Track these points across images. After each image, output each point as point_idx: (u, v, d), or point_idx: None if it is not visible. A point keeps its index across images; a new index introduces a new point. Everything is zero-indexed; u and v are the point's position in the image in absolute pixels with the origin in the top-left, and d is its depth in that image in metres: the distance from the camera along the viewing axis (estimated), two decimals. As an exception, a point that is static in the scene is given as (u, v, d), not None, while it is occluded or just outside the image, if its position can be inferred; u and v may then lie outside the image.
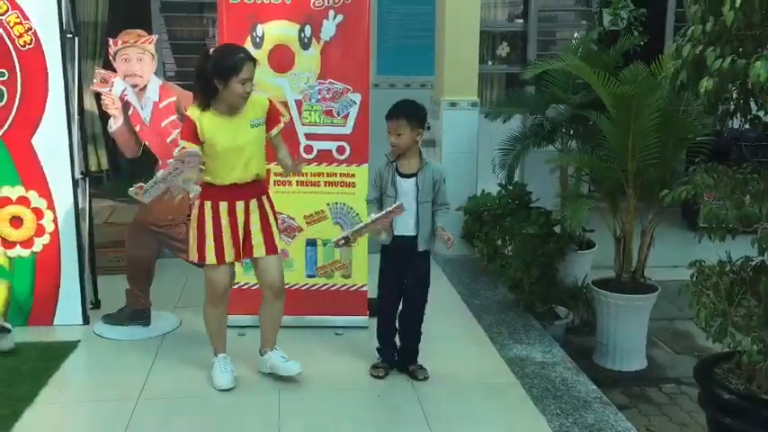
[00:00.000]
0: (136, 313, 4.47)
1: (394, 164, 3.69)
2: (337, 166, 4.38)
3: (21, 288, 4.46)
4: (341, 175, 4.38)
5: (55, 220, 4.43)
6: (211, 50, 3.57)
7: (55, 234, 4.45)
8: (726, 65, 2.85)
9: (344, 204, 4.40)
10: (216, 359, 3.80)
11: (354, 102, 4.33)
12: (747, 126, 3.48)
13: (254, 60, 3.51)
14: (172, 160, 3.49)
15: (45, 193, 4.40)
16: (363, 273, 4.48)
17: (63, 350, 4.16)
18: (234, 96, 3.46)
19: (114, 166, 7.63)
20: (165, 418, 3.51)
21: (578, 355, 4.46)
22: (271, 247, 3.67)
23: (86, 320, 4.53)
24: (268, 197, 3.73)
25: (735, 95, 3.28)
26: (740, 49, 2.97)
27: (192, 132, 3.52)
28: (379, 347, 3.91)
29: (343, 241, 3.58)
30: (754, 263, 3.44)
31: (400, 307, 3.83)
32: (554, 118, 5.40)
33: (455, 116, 5.78)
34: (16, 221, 4.40)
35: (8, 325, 4.16)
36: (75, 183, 4.45)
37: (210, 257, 3.60)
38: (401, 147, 3.64)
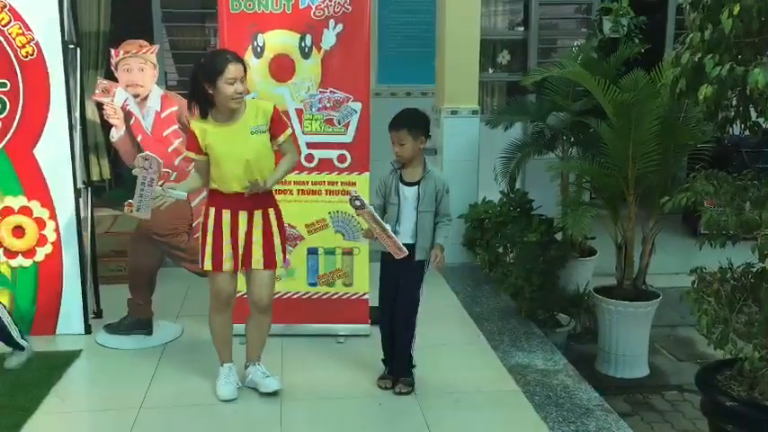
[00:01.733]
0: (138, 322, 4.48)
1: (398, 172, 3.70)
2: (338, 174, 4.39)
3: (23, 298, 4.47)
4: (342, 184, 4.39)
5: (57, 230, 4.44)
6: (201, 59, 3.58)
7: (57, 244, 4.46)
8: (724, 72, 2.87)
9: (346, 213, 4.40)
10: (221, 369, 3.79)
11: (355, 110, 4.34)
12: (747, 133, 3.49)
13: (241, 61, 3.47)
14: (135, 169, 3.52)
15: (47, 202, 4.41)
16: (365, 281, 4.48)
17: (65, 360, 4.16)
18: (225, 98, 3.42)
19: (116, 175, 7.64)
20: (167, 427, 3.51)
21: (580, 362, 4.46)
22: (269, 262, 3.64)
23: (88, 330, 4.53)
24: (276, 210, 3.68)
25: (734, 102, 3.29)
26: (739, 57, 2.99)
27: (194, 143, 3.53)
28: (384, 358, 3.89)
29: (359, 203, 3.45)
30: (755, 269, 3.44)
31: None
32: (555, 125, 5.41)
33: (456, 124, 5.79)
34: (18, 231, 4.41)
35: (24, 342, 4.11)
36: (77, 192, 4.46)
37: (207, 264, 3.61)
38: (404, 156, 3.64)
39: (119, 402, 3.71)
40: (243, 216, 3.57)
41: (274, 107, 3.65)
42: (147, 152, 3.50)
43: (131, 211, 3.60)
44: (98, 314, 4.75)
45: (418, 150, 3.64)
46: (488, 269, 5.40)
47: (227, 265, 3.60)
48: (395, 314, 3.78)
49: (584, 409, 3.63)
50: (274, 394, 3.70)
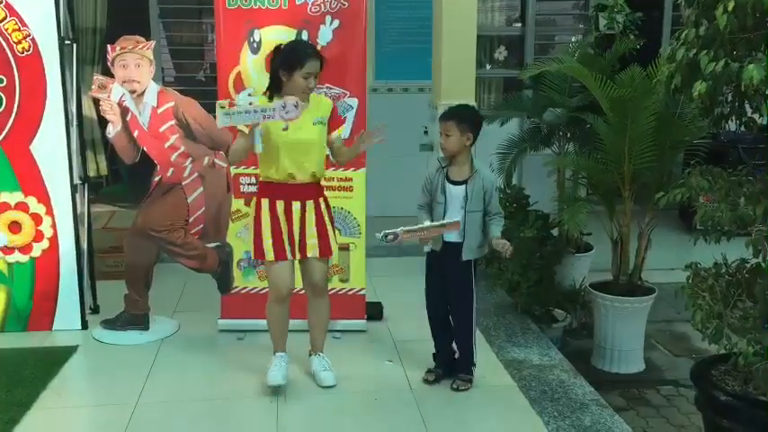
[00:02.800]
0: (134, 318, 4.49)
1: (445, 170, 3.66)
2: (335, 170, 4.38)
3: (20, 293, 4.47)
4: (338, 180, 4.39)
5: (54, 226, 4.45)
6: (282, 45, 3.63)
7: (54, 239, 4.46)
8: (719, 68, 2.87)
9: (342, 209, 4.41)
10: (273, 357, 3.80)
11: (351, 106, 4.35)
12: (743, 129, 3.50)
13: (320, 58, 3.55)
14: (279, 101, 3.42)
15: (44, 198, 4.42)
16: (361, 277, 4.49)
17: (62, 355, 4.17)
18: (296, 89, 3.48)
19: (113, 171, 7.65)
20: (164, 422, 3.52)
21: (576, 357, 4.47)
22: (324, 250, 3.68)
23: (85, 325, 4.54)
24: (325, 200, 3.74)
25: (729, 98, 3.29)
26: (734, 53, 2.99)
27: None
28: (435, 353, 3.90)
29: (392, 237, 3.50)
30: (749, 265, 3.45)
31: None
32: (551, 121, 5.41)
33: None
34: (15, 227, 4.41)
35: None
36: (73, 188, 4.47)
37: (269, 254, 3.61)
38: (448, 149, 3.60)
39: (116, 398, 3.72)
40: (296, 206, 3.60)
41: (334, 103, 3.76)
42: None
43: (222, 107, 3.41)
44: (95, 310, 4.76)
45: (464, 146, 3.60)
46: (484, 264, 5.40)
47: (289, 253, 3.63)
48: (453, 316, 3.78)
49: (579, 403, 3.65)
50: (329, 388, 3.75)
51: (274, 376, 3.72)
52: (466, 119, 3.61)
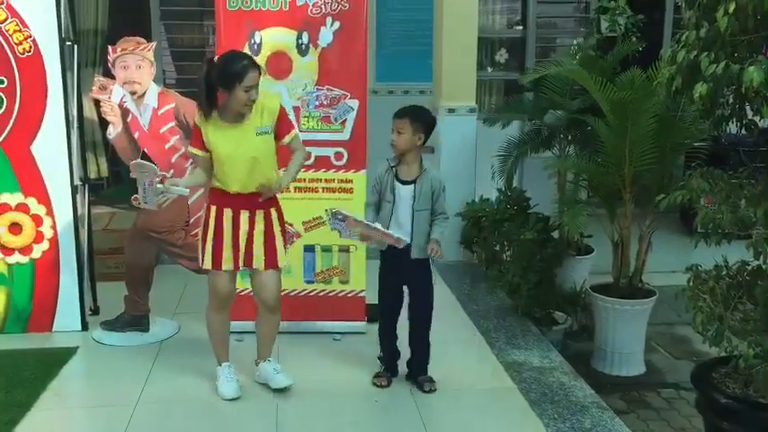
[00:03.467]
0: (134, 319, 4.49)
1: (394, 169, 3.68)
2: (335, 172, 4.39)
3: (20, 294, 4.47)
4: (339, 182, 4.39)
5: (54, 227, 4.45)
6: (215, 58, 3.58)
7: (54, 241, 4.46)
8: (720, 70, 2.87)
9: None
10: (220, 368, 3.78)
11: (352, 108, 4.35)
12: (743, 131, 3.50)
13: (258, 68, 3.48)
14: (132, 173, 3.54)
15: (44, 199, 4.42)
16: (361, 278, 4.49)
17: (62, 356, 4.16)
18: (238, 104, 3.44)
19: (114, 173, 7.64)
20: (163, 423, 3.52)
21: (576, 360, 4.46)
22: (270, 262, 3.64)
23: (85, 327, 4.54)
24: (277, 209, 3.68)
25: (730, 100, 3.29)
26: (734, 55, 2.98)
27: (198, 140, 3.54)
28: (381, 356, 3.89)
29: (340, 217, 3.52)
30: (750, 267, 3.45)
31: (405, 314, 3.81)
32: (552, 124, 5.42)
33: (453, 122, 5.79)
34: (15, 228, 4.41)
35: None
36: (74, 189, 4.47)
37: (207, 262, 3.61)
38: (398, 146, 3.61)
39: (115, 399, 3.71)
40: (244, 215, 3.56)
41: (281, 107, 3.65)
42: (139, 160, 3.53)
43: (139, 204, 3.63)
44: (95, 311, 4.75)
45: (414, 146, 3.62)
46: (485, 267, 5.41)
47: (228, 264, 3.60)
48: (411, 324, 3.78)
49: (579, 406, 3.64)
50: (284, 390, 3.72)
51: (228, 389, 3.68)
52: (419, 119, 3.61)
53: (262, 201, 3.56)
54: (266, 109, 3.55)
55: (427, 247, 3.65)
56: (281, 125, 3.60)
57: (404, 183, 3.66)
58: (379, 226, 3.55)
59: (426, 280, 3.76)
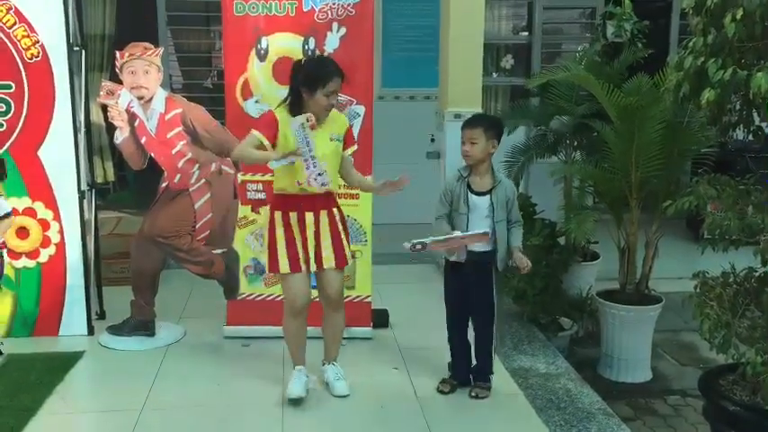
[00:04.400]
0: (140, 324, 4.49)
1: (466, 179, 3.61)
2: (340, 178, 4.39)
3: (26, 299, 4.48)
4: (344, 187, 4.37)
5: (61, 232, 4.46)
6: (302, 60, 3.64)
7: (61, 245, 4.47)
8: (727, 76, 2.87)
9: (348, 216, 4.38)
10: (294, 371, 3.76)
11: (358, 114, 4.35)
12: (750, 137, 3.49)
13: (342, 75, 3.52)
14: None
15: (51, 204, 4.43)
16: (367, 284, 4.49)
17: (68, 361, 4.17)
18: (318, 107, 3.47)
19: (120, 177, 7.68)
20: (169, 428, 3.52)
21: (582, 366, 4.46)
22: (340, 260, 3.65)
23: (91, 331, 4.55)
24: (339, 209, 3.71)
25: (737, 107, 3.29)
26: (742, 61, 2.98)
27: (269, 126, 3.51)
28: (450, 362, 3.86)
29: (419, 246, 3.46)
30: (757, 274, 3.43)
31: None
32: (558, 129, 5.41)
33: (459, 128, 5.77)
34: (22, 232, 4.42)
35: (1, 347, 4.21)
36: (81, 194, 4.48)
37: (284, 266, 3.58)
38: (473, 156, 3.55)
39: (121, 403, 3.71)
40: (310, 217, 3.57)
41: (349, 123, 3.77)
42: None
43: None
44: (101, 315, 4.76)
45: (488, 154, 3.57)
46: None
47: (304, 266, 3.60)
48: (475, 325, 3.74)
49: (586, 412, 3.63)
50: (343, 398, 3.73)
51: (293, 389, 3.68)
52: (493, 126, 3.59)
53: (324, 200, 3.59)
54: (339, 120, 3.65)
55: (506, 257, 3.62)
56: (348, 138, 3.69)
57: (477, 194, 3.60)
58: (458, 233, 3.52)
59: (490, 284, 3.67)
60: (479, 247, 3.60)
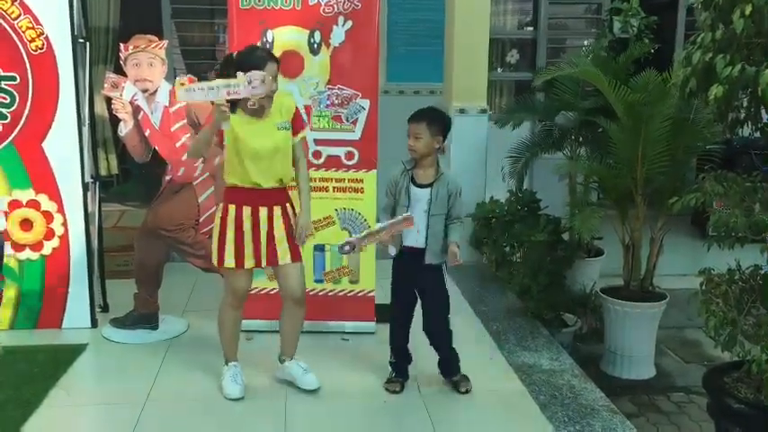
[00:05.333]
0: (144, 317, 4.49)
1: (410, 172, 3.62)
2: (345, 171, 4.39)
3: (30, 291, 4.48)
4: (349, 181, 4.38)
5: (65, 224, 4.46)
6: (232, 54, 3.59)
7: (64, 237, 4.47)
8: (736, 72, 2.86)
9: (353, 210, 4.40)
10: (226, 367, 3.77)
11: (363, 107, 4.34)
12: (758, 134, 3.48)
13: (276, 60, 3.50)
14: (244, 75, 3.32)
15: (55, 196, 4.43)
16: (371, 278, 4.48)
17: (71, 353, 4.17)
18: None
19: (124, 170, 7.67)
20: (172, 421, 3.52)
21: (586, 362, 4.44)
22: (296, 255, 3.63)
23: (95, 324, 4.55)
24: (292, 205, 3.68)
25: (745, 103, 3.27)
26: (750, 57, 2.97)
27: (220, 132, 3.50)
28: (392, 361, 3.84)
29: (348, 247, 3.49)
30: (763, 271, 3.42)
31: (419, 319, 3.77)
32: (563, 125, 5.40)
33: (464, 123, 5.77)
34: (26, 224, 4.42)
35: None
36: (85, 186, 4.48)
37: (230, 261, 3.57)
38: (417, 151, 3.55)
39: (124, 396, 3.71)
40: (263, 212, 3.55)
41: (296, 105, 3.68)
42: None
43: (181, 85, 3.46)
44: (104, 308, 4.76)
45: (432, 149, 3.56)
46: (495, 268, 5.40)
47: (249, 262, 3.58)
48: (431, 330, 3.74)
49: (589, 409, 3.62)
50: (313, 392, 3.72)
51: (234, 390, 3.67)
52: (437, 121, 3.56)
53: (277, 195, 3.56)
54: (284, 106, 3.59)
55: (441, 253, 3.60)
56: (296, 122, 3.63)
57: (420, 186, 3.60)
58: (379, 225, 3.51)
59: (440, 283, 3.71)
60: (414, 242, 3.58)
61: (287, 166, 3.60)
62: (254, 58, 3.45)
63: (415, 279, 3.69)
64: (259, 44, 4.19)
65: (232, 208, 3.56)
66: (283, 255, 3.60)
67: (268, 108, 3.52)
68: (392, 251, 3.63)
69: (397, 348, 3.83)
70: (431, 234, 3.59)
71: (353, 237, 3.55)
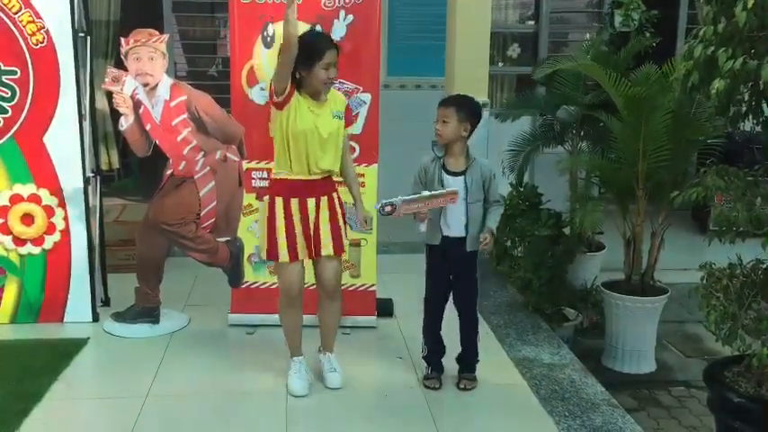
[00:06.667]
0: (145, 311, 4.49)
1: (441, 160, 3.59)
2: (347, 165, 4.38)
3: (31, 285, 4.48)
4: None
5: (66, 218, 4.46)
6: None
7: (66, 232, 4.47)
8: (737, 66, 2.84)
9: (354, 204, 4.38)
10: (292, 362, 3.75)
11: (364, 102, 4.33)
12: (759, 128, 3.47)
13: (336, 46, 3.50)
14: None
15: (56, 191, 4.43)
16: (372, 273, 4.48)
17: (72, 347, 4.18)
18: (317, 82, 3.43)
19: (125, 164, 7.67)
20: (173, 416, 3.52)
21: (587, 357, 4.45)
22: (338, 247, 3.62)
23: (96, 318, 4.55)
24: (338, 196, 3.67)
25: (747, 97, 3.26)
26: (752, 51, 2.95)
27: (288, 95, 3.46)
28: (425, 355, 3.81)
29: (389, 208, 3.40)
30: (764, 265, 3.42)
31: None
32: (564, 119, 5.39)
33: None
34: (27, 219, 4.42)
35: None
36: (86, 181, 4.48)
37: (283, 255, 3.53)
38: (443, 136, 3.51)
39: (126, 390, 3.72)
40: (311, 203, 3.54)
41: (347, 100, 3.75)
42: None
43: None
44: (106, 302, 4.76)
45: (459, 135, 3.52)
46: (496, 262, 5.39)
47: (303, 254, 3.57)
48: (462, 312, 3.72)
49: (590, 403, 3.63)
50: (335, 389, 3.72)
51: (298, 386, 3.67)
52: (465, 108, 3.53)
53: (325, 185, 3.57)
54: (338, 98, 3.63)
55: (478, 239, 3.57)
56: (348, 115, 3.68)
57: (452, 174, 3.56)
58: (426, 192, 3.45)
59: (474, 269, 3.66)
60: (454, 232, 3.56)
61: (337, 155, 3.59)
62: (314, 45, 3.43)
63: (452, 266, 3.65)
64: (258, 41, 4.19)
65: (279, 200, 3.54)
66: (326, 246, 3.58)
67: (325, 96, 3.52)
68: (421, 228, 3.58)
69: (431, 337, 3.78)
70: (471, 222, 3.57)
71: (398, 197, 3.44)
